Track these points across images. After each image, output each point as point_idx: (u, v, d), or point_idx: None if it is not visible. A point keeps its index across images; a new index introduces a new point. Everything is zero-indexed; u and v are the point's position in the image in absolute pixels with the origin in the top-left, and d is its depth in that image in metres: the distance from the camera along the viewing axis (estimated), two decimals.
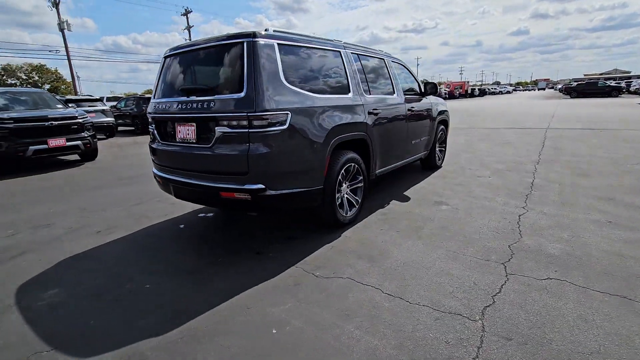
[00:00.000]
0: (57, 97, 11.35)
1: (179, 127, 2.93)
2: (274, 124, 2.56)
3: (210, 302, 2.24)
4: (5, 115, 6.59)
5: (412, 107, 4.50)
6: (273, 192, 2.65)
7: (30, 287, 2.53)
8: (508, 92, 67.04)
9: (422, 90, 4.95)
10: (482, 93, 52.45)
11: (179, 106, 2.86)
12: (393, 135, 4.07)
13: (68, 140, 7.19)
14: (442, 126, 5.65)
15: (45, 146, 6.84)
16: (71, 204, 4.53)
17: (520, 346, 1.73)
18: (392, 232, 3.23)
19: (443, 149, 5.95)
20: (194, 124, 2.78)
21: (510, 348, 1.72)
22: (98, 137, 9.08)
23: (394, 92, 4.21)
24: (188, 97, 2.83)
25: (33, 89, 9.37)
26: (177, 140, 2.96)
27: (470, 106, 24.47)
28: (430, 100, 5.17)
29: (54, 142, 6.97)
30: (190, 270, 2.68)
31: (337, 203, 3.23)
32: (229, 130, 2.57)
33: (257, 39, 2.59)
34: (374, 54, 4.09)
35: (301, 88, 2.84)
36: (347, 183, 3.43)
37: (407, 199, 4.22)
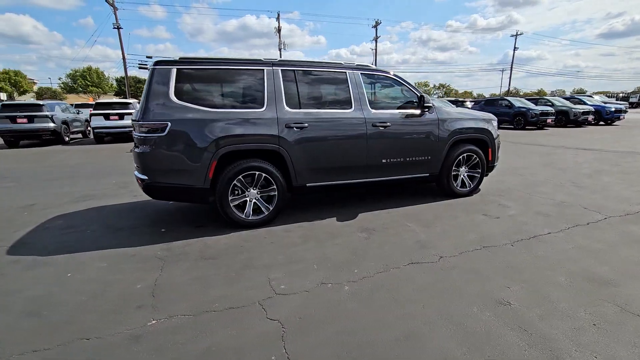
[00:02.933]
0: None
1: None
2: (153, 131, 3.32)
3: (86, 249, 3.28)
4: None
5: (384, 123, 4.08)
6: (154, 183, 3.44)
7: (58, 217, 4.31)
8: None
9: (424, 104, 4.30)
10: None
11: None
12: (336, 150, 3.91)
13: None
14: (468, 147, 4.62)
15: None
16: None
17: None
18: (265, 243, 3.34)
19: (476, 175, 4.82)
20: None
21: None
22: None
23: (351, 107, 4.00)
24: None
25: None
26: None
27: None
28: (436, 116, 4.40)
29: None
30: (119, 229, 3.82)
31: (233, 205, 3.63)
32: (135, 134, 3.51)
33: (156, 66, 3.40)
34: (330, 68, 4.01)
35: (194, 104, 3.43)
36: (257, 189, 3.74)
37: (351, 217, 3.97)
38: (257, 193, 3.75)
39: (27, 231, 3.80)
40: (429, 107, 4.31)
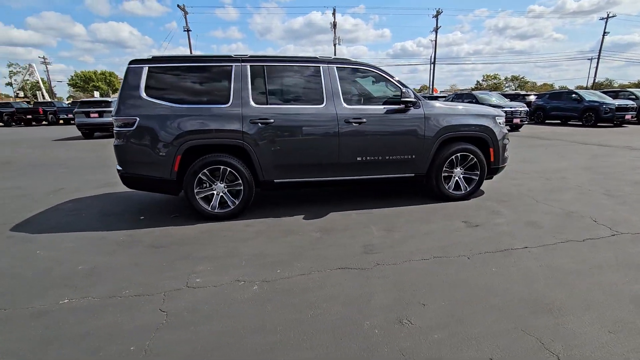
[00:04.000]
0: None
1: None
2: (125, 126, 3.57)
3: (70, 230, 3.67)
4: None
5: (359, 119, 3.87)
6: (127, 174, 3.72)
7: (72, 201, 4.87)
8: None
9: (404, 99, 3.96)
10: None
11: None
12: (304, 147, 3.83)
13: None
14: (462, 146, 4.18)
15: None
16: None
17: None
18: (218, 236, 3.41)
19: (474, 177, 4.34)
20: None
21: None
22: None
23: (323, 102, 3.86)
24: None
25: None
26: None
27: None
28: (422, 112, 4.05)
29: None
30: (108, 214, 4.20)
31: (199, 197, 3.77)
32: (114, 128, 3.81)
33: (130, 65, 3.64)
34: (303, 63, 3.90)
35: (163, 100, 3.61)
36: (224, 183, 3.83)
37: (319, 216, 3.86)
38: (225, 187, 3.84)
39: (39, 212, 4.37)
40: (412, 102, 3.98)
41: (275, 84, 3.86)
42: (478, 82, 75.05)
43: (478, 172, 4.32)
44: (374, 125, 3.95)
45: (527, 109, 13.01)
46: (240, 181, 3.78)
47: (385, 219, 3.76)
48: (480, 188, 4.86)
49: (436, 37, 36.34)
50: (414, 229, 3.47)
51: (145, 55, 3.73)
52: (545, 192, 4.62)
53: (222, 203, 3.87)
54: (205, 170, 3.70)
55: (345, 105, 3.90)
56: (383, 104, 4.09)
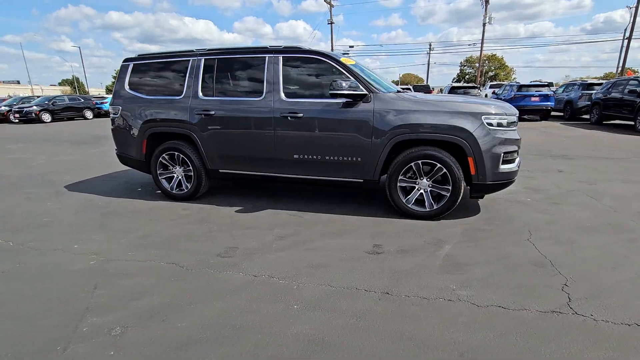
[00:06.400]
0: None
1: None
2: (114, 113, 4.38)
3: (90, 192, 4.81)
4: None
5: (296, 113, 3.55)
6: (118, 152, 4.57)
7: (125, 171, 6.23)
8: None
9: (336, 91, 3.29)
10: None
11: None
12: (241, 140, 3.80)
13: None
14: (425, 151, 3.28)
15: None
16: None
17: None
18: (154, 213, 3.85)
19: (444, 193, 3.35)
20: None
21: None
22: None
23: (262, 94, 3.69)
24: None
25: None
26: None
27: None
28: (371, 107, 3.36)
29: None
30: (125, 183, 5.24)
31: (162, 178, 4.29)
32: None
33: (122, 63, 4.37)
34: (251, 54, 3.78)
35: (138, 92, 4.21)
36: (182, 168, 4.23)
37: (255, 210, 3.83)
38: (182, 171, 4.24)
39: (97, 175, 5.82)
40: (361, 96, 3.37)
41: (223, 76, 3.94)
42: None
43: (448, 186, 3.32)
44: (313, 120, 3.55)
45: None
46: (191, 168, 4.10)
47: (303, 225, 3.40)
48: (482, 206, 3.74)
49: (637, 4, 26.75)
50: (310, 241, 3.03)
51: (133, 55, 4.43)
52: (567, 229, 3.15)
53: (180, 185, 4.28)
54: (164, 155, 4.18)
55: (284, 97, 3.65)
56: (331, 98, 3.59)
